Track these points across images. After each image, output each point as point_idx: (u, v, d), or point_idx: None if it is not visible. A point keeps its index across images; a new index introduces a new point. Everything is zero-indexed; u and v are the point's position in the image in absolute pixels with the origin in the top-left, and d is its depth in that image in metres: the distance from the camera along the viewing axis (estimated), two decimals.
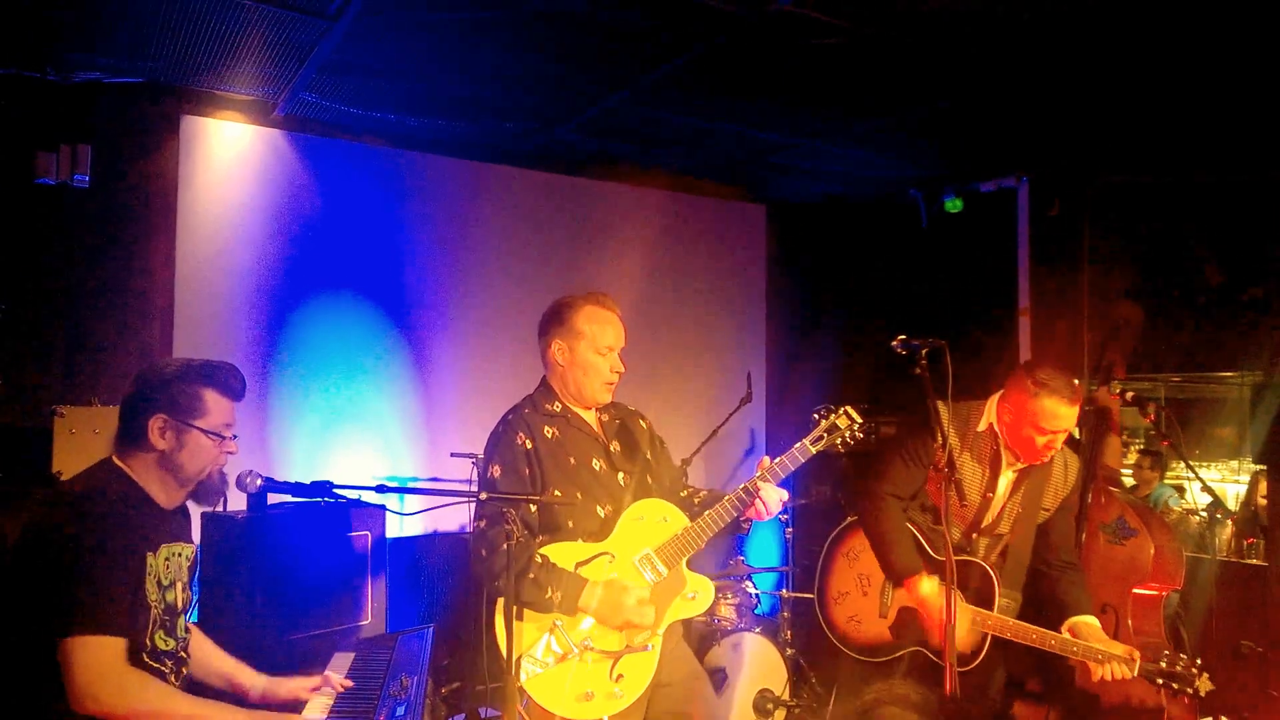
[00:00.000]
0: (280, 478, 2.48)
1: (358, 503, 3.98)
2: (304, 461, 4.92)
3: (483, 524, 2.72)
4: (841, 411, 2.86)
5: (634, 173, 6.07)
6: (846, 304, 6.71)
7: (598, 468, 2.89)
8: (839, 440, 2.85)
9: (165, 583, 2.32)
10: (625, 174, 6.05)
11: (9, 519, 4.02)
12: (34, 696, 2.08)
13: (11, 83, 4.22)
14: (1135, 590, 3.63)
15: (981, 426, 3.33)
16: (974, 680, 3.17)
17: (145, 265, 4.61)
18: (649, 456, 3.03)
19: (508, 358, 5.53)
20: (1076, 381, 3.14)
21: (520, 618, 2.54)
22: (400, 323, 5.32)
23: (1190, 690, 2.99)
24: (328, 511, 4.00)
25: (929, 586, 3.19)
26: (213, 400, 2.36)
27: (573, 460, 2.85)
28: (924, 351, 3.05)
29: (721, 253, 6.51)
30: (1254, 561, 4.49)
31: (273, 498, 3.92)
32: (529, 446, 2.81)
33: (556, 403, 2.94)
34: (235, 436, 2.43)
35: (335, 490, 2.46)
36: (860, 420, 2.86)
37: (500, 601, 2.71)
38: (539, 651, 2.68)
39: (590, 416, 2.99)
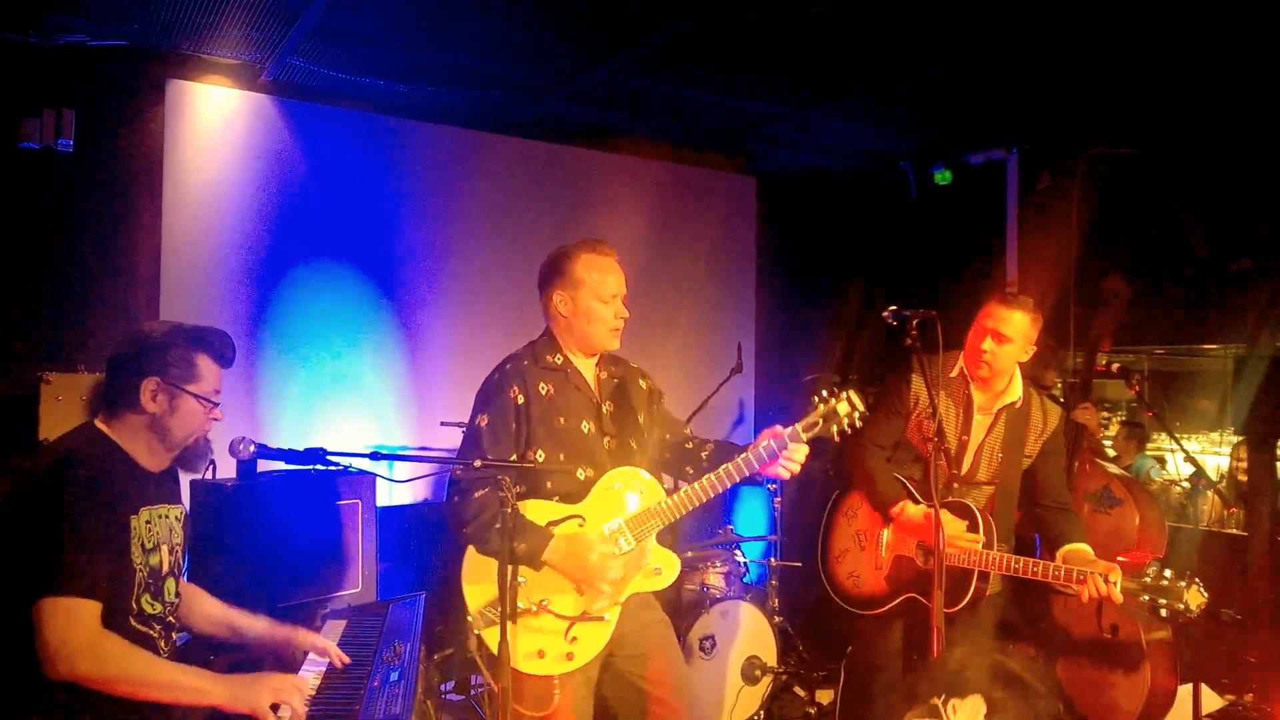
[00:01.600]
0: (263, 444, 2.46)
1: (348, 470, 3.98)
2: (293, 430, 4.91)
3: (458, 471, 2.73)
4: (844, 396, 2.75)
5: (624, 143, 6.04)
6: (836, 275, 6.73)
7: (586, 430, 2.86)
8: (835, 428, 2.75)
9: (149, 546, 2.28)
10: (615, 144, 6.01)
11: None
12: (10, 662, 2.05)
13: None
14: (1119, 558, 3.68)
15: (954, 372, 3.41)
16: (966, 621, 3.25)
17: (131, 230, 4.57)
18: (640, 420, 2.99)
19: (496, 325, 5.52)
20: (1034, 306, 3.24)
21: (530, 567, 2.63)
22: (389, 290, 5.30)
23: (1180, 606, 2.90)
24: (318, 479, 4.00)
25: (913, 509, 3.31)
26: (205, 366, 2.34)
27: (562, 420, 2.83)
28: (915, 322, 3.11)
29: (712, 224, 6.50)
30: (1234, 531, 4.56)
31: (262, 465, 3.91)
32: (520, 402, 2.79)
33: (559, 354, 2.89)
34: (219, 404, 2.41)
35: (328, 457, 2.46)
36: (862, 408, 2.75)
37: (469, 550, 2.75)
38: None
39: (590, 372, 2.94)
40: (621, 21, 4.04)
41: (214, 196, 4.79)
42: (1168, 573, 2.97)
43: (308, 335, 5.04)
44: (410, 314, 5.37)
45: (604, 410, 2.92)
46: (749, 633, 4.53)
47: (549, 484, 2.81)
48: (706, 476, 2.76)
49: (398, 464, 3.69)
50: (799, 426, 2.75)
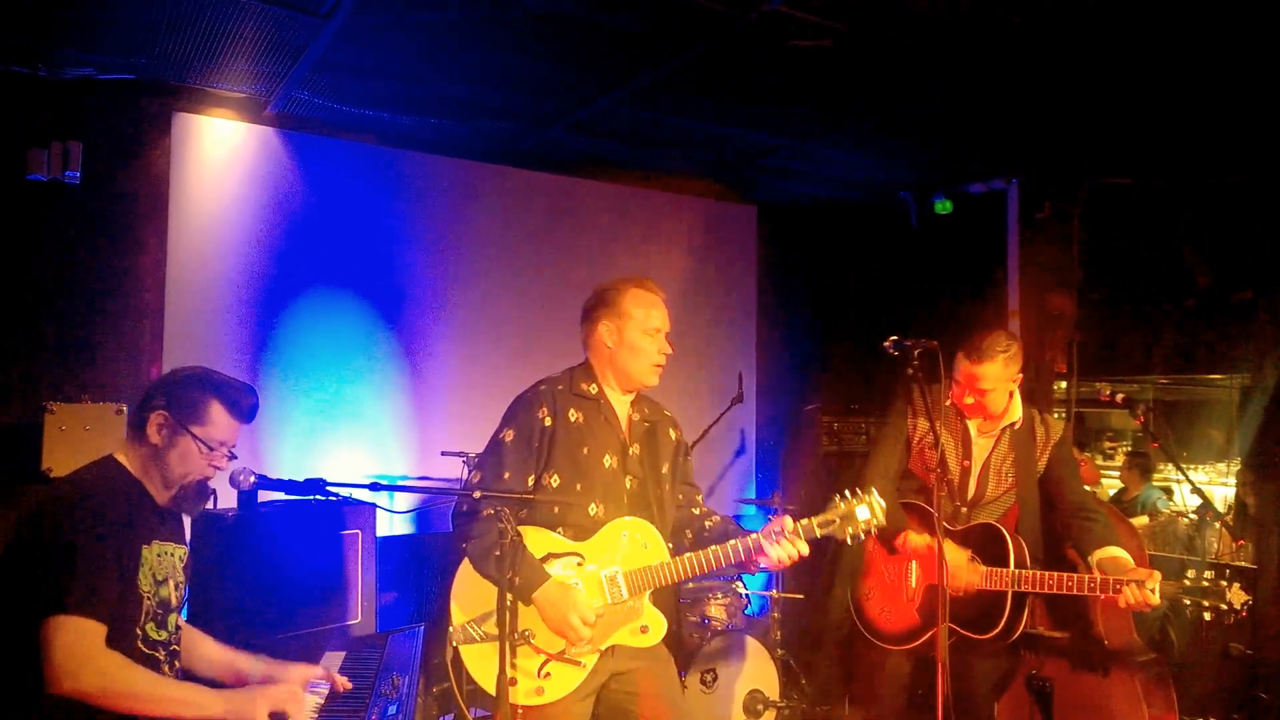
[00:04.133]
0: (270, 476, 2.49)
1: (348, 501, 3.98)
2: (293, 460, 4.91)
3: (476, 477, 2.79)
4: (867, 500, 2.74)
5: (625, 173, 6.07)
6: (838, 305, 6.73)
7: (607, 464, 2.85)
8: (850, 532, 2.73)
9: (159, 578, 2.35)
10: (616, 174, 6.05)
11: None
12: (14, 679, 2.10)
13: (2, 79, 4.20)
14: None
15: (947, 402, 3.42)
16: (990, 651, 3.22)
17: (136, 262, 4.60)
18: (665, 471, 2.99)
19: (497, 356, 5.54)
20: (1002, 347, 3.22)
21: (519, 599, 2.62)
22: (391, 321, 5.31)
23: (1224, 605, 2.92)
24: (318, 510, 4.00)
25: (915, 539, 3.31)
26: (216, 412, 2.39)
27: (586, 451, 2.83)
28: (916, 352, 3.12)
29: (713, 253, 6.52)
30: (1243, 564, 4.52)
31: (263, 495, 3.91)
32: (547, 424, 2.80)
33: (594, 385, 2.91)
34: (233, 457, 2.46)
35: (328, 488, 2.47)
36: (882, 520, 2.73)
37: (465, 563, 2.77)
38: (484, 625, 2.70)
39: (623, 409, 2.95)
40: (623, 53, 4.08)
41: (218, 227, 4.82)
42: (1208, 574, 2.97)
43: (310, 365, 5.05)
44: (412, 344, 5.38)
45: (630, 451, 2.92)
46: (751, 666, 4.49)
47: (557, 510, 2.80)
48: (712, 549, 2.75)
49: (398, 494, 3.69)
50: (815, 522, 2.74)
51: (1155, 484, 6.36)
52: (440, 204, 5.51)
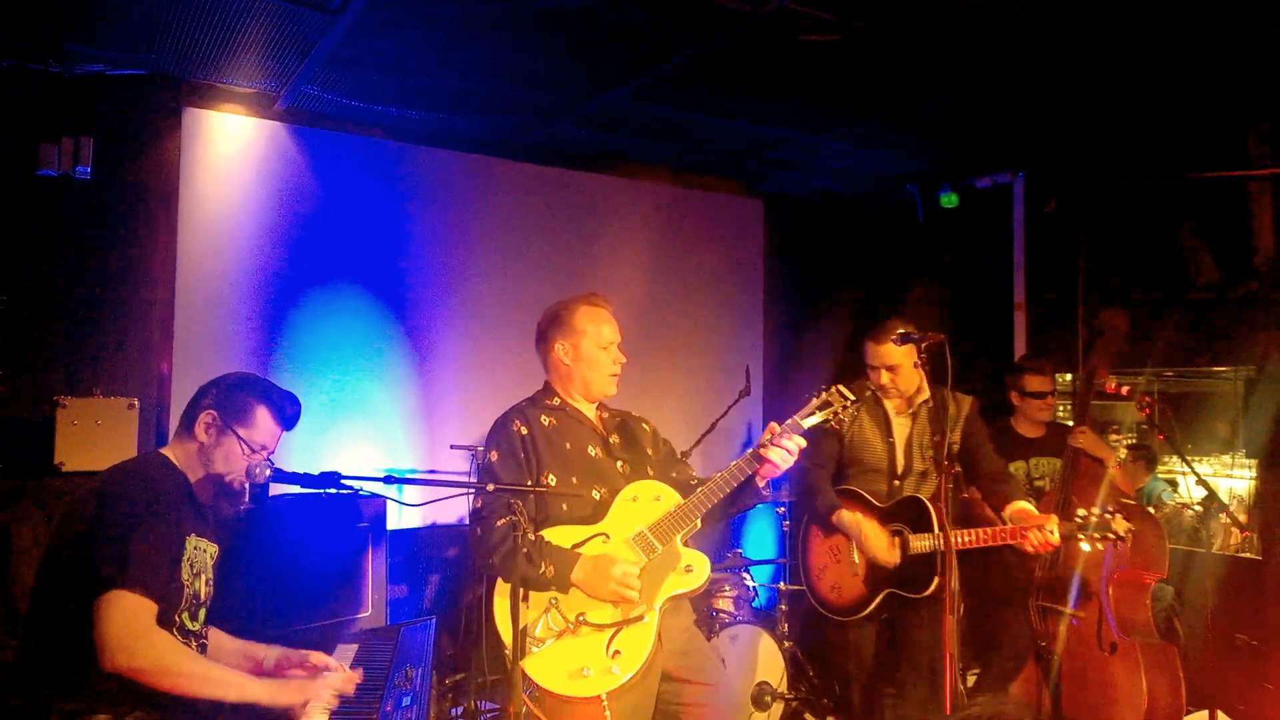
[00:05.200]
0: (282, 469, 2.53)
1: (359, 494, 4.00)
2: (302, 452, 4.91)
3: (479, 503, 2.83)
4: (834, 390, 2.96)
5: (633, 167, 6.09)
6: (843, 298, 6.74)
7: (593, 454, 2.97)
8: (832, 416, 2.93)
9: (196, 569, 2.43)
10: (624, 168, 6.06)
11: (10, 510, 4.05)
12: (66, 655, 2.17)
13: (14, 74, 4.21)
14: (1115, 575, 3.70)
15: (867, 394, 3.74)
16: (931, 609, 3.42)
17: (146, 257, 4.61)
18: (649, 452, 3.12)
19: (506, 350, 5.55)
20: (901, 330, 3.45)
21: (526, 599, 2.61)
22: (400, 315, 5.33)
23: (1112, 535, 3.28)
24: (329, 503, 4.02)
25: (849, 515, 3.58)
26: (262, 416, 2.52)
27: (569, 445, 2.95)
28: (924, 345, 3.19)
29: (720, 247, 6.52)
30: (1249, 555, 4.54)
31: (274, 489, 3.94)
32: (524, 433, 2.92)
33: (556, 399, 3.05)
34: (270, 460, 2.54)
35: (343, 481, 2.49)
36: (852, 398, 2.95)
37: (499, 582, 2.77)
38: (537, 630, 2.72)
39: (590, 412, 3.08)
40: (632, 48, 4.09)
41: (228, 222, 4.84)
42: (1095, 510, 3.34)
43: (319, 358, 5.07)
44: (421, 338, 5.40)
45: (610, 440, 3.05)
46: (759, 658, 4.52)
47: (564, 507, 2.87)
48: (718, 473, 2.86)
49: (407, 487, 3.72)
50: (798, 418, 2.91)
51: (1160, 476, 6.37)
52: (448, 198, 5.52)
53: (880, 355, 3.65)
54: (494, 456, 2.90)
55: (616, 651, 2.72)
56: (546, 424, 2.96)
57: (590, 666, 2.68)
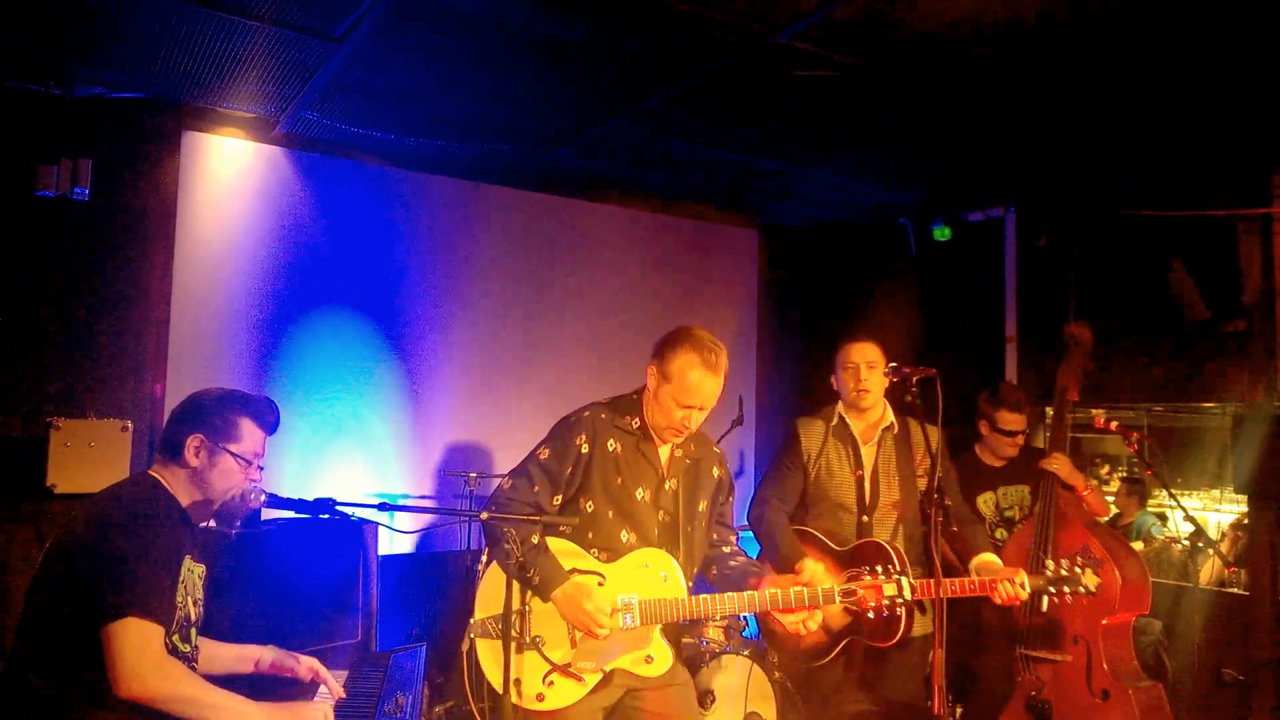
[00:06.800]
0: (273, 493, 2.56)
1: (350, 519, 3.98)
2: (295, 477, 4.93)
3: (507, 483, 2.87)
4: (896, 580, 2.86)
5: (629, 195, 6.14)
6: (837, 329, 6.76)
7: (640, 497, 2.91)
8: (872, 606, 2.86)
9: (188, 591, 2.44)
10: (620, 196, 6.11)
11: (1, 531, 4.03)
12: (74, 682, 2.16)
13: (14, 96, 4.24)
14: (1104, 621, 3.66)
15: (834, 421, 3.75)
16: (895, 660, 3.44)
17: (143, 279, 4.62)
18: (702, 508, 3.03)
19: (500, 376, 5.57)
20: (893, 364, 3.45)
21: (539, 597, 2.74)
22: (395, 340, 5.35)
23: (1081, 589, 3.16)
24: (321, 528, 4.01)
25: (812, 566, 3.34)
26: (248, 428, 2.52)
27: (620, 481, 2.90)
28: (915, 379, 3.21)
29: (714, 275, 6.57)
30: (1236, 590, 4.55)
31: (266, 514, 3.93)
32: (584, 450, 2.89)
33: (636, 420, 2.97)
34: (261, 468, 2.56)
35: (337, 507, 2.50)
36: (909, 597, 2.85)
37: (493, 565, 2.86)
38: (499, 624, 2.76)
39: (665, 447, 2.99)
40: (630, 78, 4.13)
41: (225, 246, 4.86)
42: (1065, 563, 3.22)
43: (313, 382, 5.08)
44: (415, 364, 5.41)
45: (666, 486, 2.97)
46: (748, 688, 4.50)
47: (590, 534, 2.87)
48: (731, 595, 2.82)
49: (397, 514, 3.73)
50: (837, 590, 2.81)
51: (1150, 510, 6.40)
52: (445, 224, 5.55)
53: (859, 350, 3.65)
54: (543, 454, 2.89)
55: (550, 683, 2.79)
56: (611, 449, 2.90)
57: (523, 682, 2.77)
